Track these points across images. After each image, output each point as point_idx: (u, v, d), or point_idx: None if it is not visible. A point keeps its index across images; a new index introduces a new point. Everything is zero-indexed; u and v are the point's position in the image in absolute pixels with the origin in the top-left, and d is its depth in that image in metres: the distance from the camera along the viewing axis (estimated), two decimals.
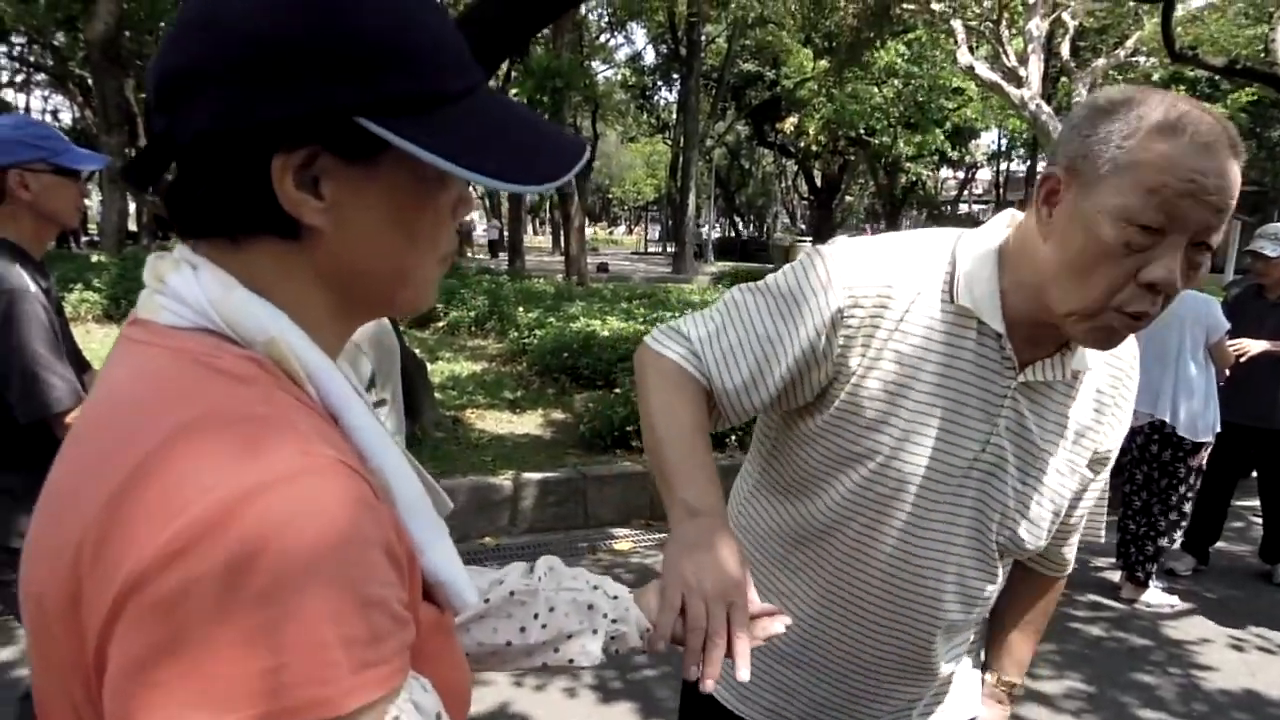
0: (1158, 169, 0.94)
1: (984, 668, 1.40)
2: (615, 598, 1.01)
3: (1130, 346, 1.21)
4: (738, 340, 1.18)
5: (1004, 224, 1.15)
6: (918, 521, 1.16)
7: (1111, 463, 1.26)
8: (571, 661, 0.98)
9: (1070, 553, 1.35)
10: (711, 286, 16.51)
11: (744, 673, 0.88)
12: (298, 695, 0.47)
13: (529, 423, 6.34)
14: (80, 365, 2.07)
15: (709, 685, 0.86)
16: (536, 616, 0.96)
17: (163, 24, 17.22)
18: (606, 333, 7.94)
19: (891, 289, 1.13)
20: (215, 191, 0.60)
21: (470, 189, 0.68)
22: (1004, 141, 32.80)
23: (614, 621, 0.99)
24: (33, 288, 1.93)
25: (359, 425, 0.62)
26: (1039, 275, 1.05)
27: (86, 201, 2.12)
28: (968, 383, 1.13)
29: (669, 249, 33.18)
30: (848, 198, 35.91)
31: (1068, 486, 1.20)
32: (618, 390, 6.27)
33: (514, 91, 16.53)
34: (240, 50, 0.56)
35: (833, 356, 1.14)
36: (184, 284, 0.60)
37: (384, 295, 0.66)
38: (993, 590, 1.25)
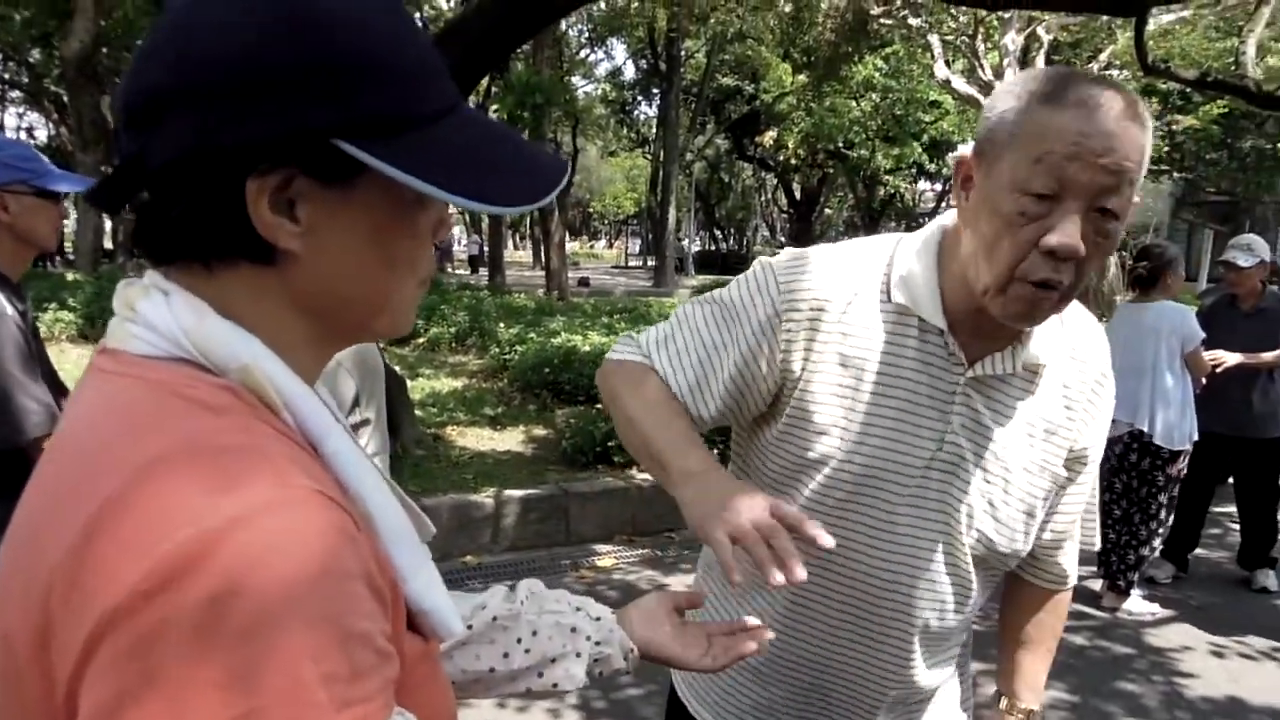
0: (1041, 135, 0.96)
1: (997, 696, 1.36)
2: (598, 619, 1.01)
3: (1096, 343, 1.21)
4: (684, 345, 1.21)
5: (945, 221, 1.15)
6: (879, 526, 1.15)
7: (1093, 464, 1.24)
8: (555, 686, 0.97)
9: (1068, 563, 1.31)
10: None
11: (827, 539, 0.90)
12: None
13: (510, 439, 6.31)
14: (57, 389, 2.03)
15: (800, 573, 0.86)
16: (520, 641, 0.95)
17: (139, 41, 17.15)
18: (588, 348, 7.92)
19: (827, 292, 1.14)
20: (188, 216, 0.58)
21: (450, 208, 0.67)
22: None
23: (597, 643, 0.99)
24: (9, 310, 1.90)
25: (338, 452, 0.60)
26: (963, 261, 1.07)
27: (64, 221, 2.11)
28: (915, 380, 1.12)
29: (649, 263, 33.23)
30: (827, 210, 36.10)
31: (1039, 485, 1.17)
32: (599, 406, 6.25)
33: (494, 107, 16.55)
34: (212, 71, 0.55)
35: (776, 364, 1.15)
36: (155, 311, 0.59)
37: (361, 320, 0.65)
38: (969, 599, 1.22)
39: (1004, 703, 1.34)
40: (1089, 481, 1.27)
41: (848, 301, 1.14)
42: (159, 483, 0.50)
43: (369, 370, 1.78)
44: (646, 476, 5.40)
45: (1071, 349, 1.18)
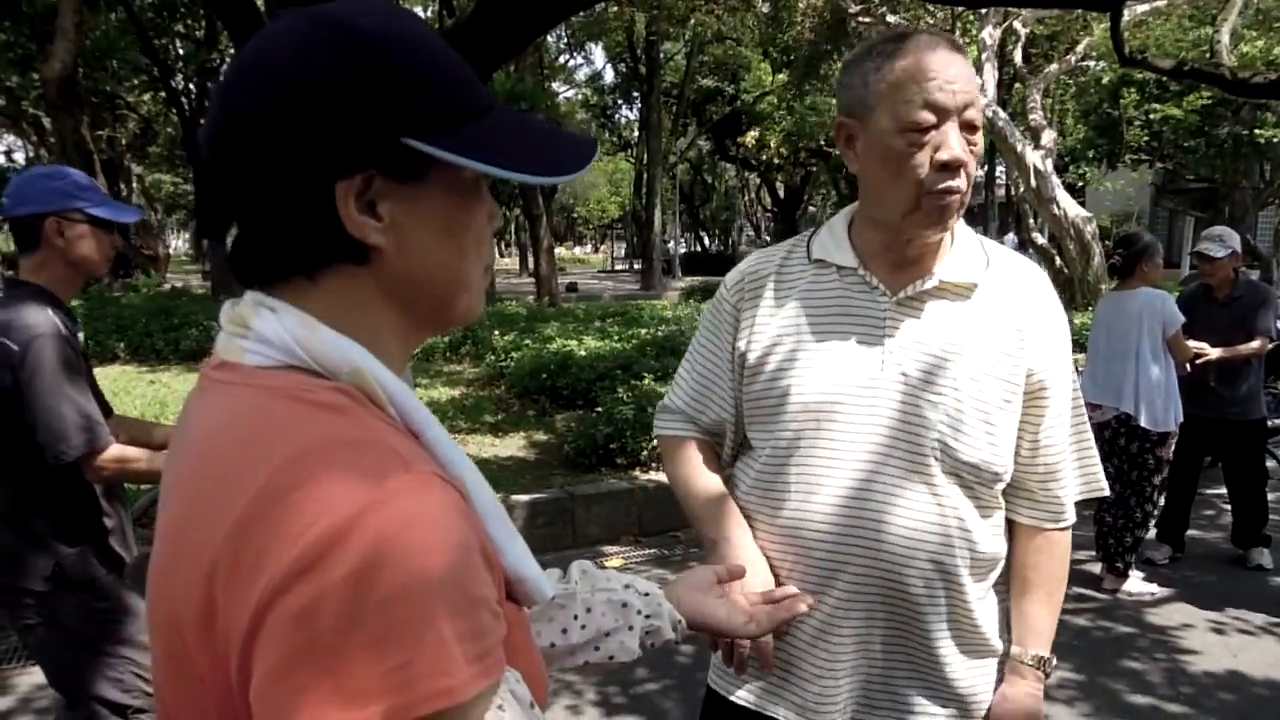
0: (906, 82, 1.20)
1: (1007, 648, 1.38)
2: (647, 594, 1.09)
3: (1036, 278, 1.35)
4: (695, 376, 1.46)
5: None
6: (848, 446, 1.28)
7: (1060, 392, 1.32)
8: (612, 658, 1.05)
9: (1063, 495, 1.35)
10: (682, 301, 16.59)
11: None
12: (425, 687, 0.53)
13: (512, 445, 6.36)
14: (105, 410, 2.08)
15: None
16: (576, 618, 1.03)
17: (115, 61, 17.07)
18: (584, 352, 7.99)
19: (764, 265, 1.42)
20: (289, 229, 0.66)
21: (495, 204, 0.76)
22: None
23: (647, 617, 1.07)
24: (63, 331, 1.97)
25: (438, 440, 0.67)
26: (869, 204, 1.31)
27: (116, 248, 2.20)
28: (843, 314, 1.32)
29: (635, 266, 33.30)
30: (810, 208, 36.27)
31: (992, 392, 1.26)
32: (599, 409, 6.31)
33: None
34: (292, 92, 0.63)
35: (740, 335, 1.40)
36: (268, 327, 0.66)
37: (445, 304, 0.73)
38: (947, 516, 1.26)
39: (1013, 650, 1.36)
40: (1064, 411, 1.34)
41: (777, 266, 1.40)
42: (301, 475, 0.57)
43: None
44: (650, 477, 5.46)
45: (1008, 279, 1.33)
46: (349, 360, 0.65)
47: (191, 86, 18.19)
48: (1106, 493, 1.42)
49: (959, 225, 1.35)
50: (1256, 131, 16.78)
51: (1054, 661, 1.37)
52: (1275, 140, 16.61)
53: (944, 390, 1.26)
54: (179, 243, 41.88)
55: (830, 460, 1.28)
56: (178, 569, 0.60)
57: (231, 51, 14.41)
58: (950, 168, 1.20)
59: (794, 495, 1.31)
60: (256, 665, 0.54)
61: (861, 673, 1.31)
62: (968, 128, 1.20)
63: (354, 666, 0.52)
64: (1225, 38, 9.55)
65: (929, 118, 1.19)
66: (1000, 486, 1.32)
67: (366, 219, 0.65)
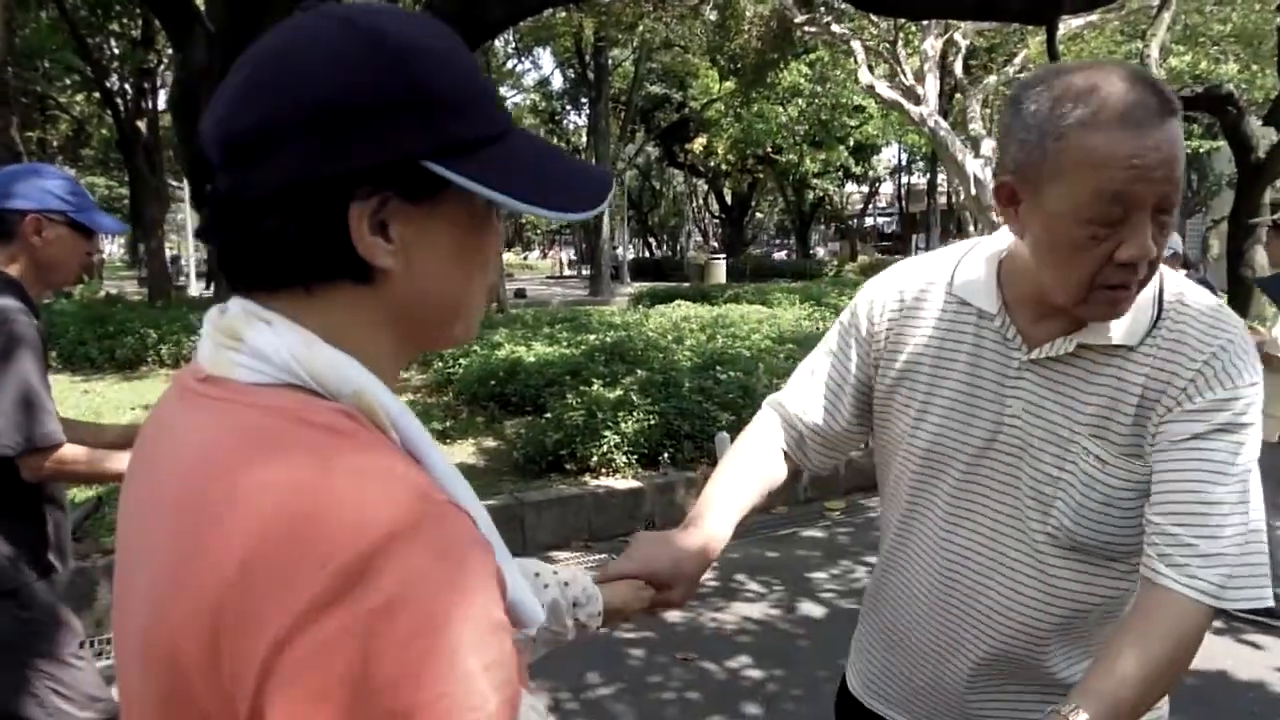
0: (1095, 165, 0.96)
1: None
2: (556, 574, 1.01)
3: (1208, 326, 1.09)
4: (809, 371, 1.38)
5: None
6: (945, 507, 1.21)
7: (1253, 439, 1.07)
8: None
9: None
10: (631, 307, 16.62)
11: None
12: None
13: (461, 452, 6.31)
14: None
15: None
16: None
17: (47, 60, 16.59)
18: (532, 359, 7.96)
19: (904, 290, 1.27)
20: (295, 242, 0.62)
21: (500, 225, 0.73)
22: (904, 156, 34.00)
23: (556, 574, 1.00)
24: (33, 320, 1.93)
25: (438, 465, 0.65)
26: (1029, 262, 1.09)
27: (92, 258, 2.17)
28: (970, 365, 1.18)
29: (584, 272, 33.31)
30: (758, 214, 36.65)
31: (1122, 473, 1.10)
32: (548, 415, 6.29)
33: None
34: (317, 107, 0.60)
35: (870, 359, 1.30)
36: (264, 341, 0.62)
37: (443, 329, 0.70)
38: (1060, 592, 1.15)
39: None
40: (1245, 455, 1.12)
41: (916, 295, 1.25)
42: (310, 506, 0.54)
43: None
44: (601, 482, 5.46)
45: (1178, 344, 1.09)
46: (350, 381, 0.62)
47: (127, 87, 17.71)
48: None
49: None
50: (1184, 142, 17.37)
51: None
52: (1202, 150, 17.24)
53: (1068, 466, 1.11)
54: (113, 248, 40.79)
55: (929, 510, 1.23)
56: (172, 605, 0.56)
57: (170, 52, 14.08)
58: (1132, 265, 1.00)
59: (901, 539, 1.28)
60: (272, 707, 0.51)
61: (979, 689, 1.25)
62: (1163, 212, 0.99)
63: (380, 706, 0.49)
64: (1155, 52, 9.89)
65: (1117, 214, 0.97)
66: (1138, 559, 1.10)
67: (377, 240, 0.62)
